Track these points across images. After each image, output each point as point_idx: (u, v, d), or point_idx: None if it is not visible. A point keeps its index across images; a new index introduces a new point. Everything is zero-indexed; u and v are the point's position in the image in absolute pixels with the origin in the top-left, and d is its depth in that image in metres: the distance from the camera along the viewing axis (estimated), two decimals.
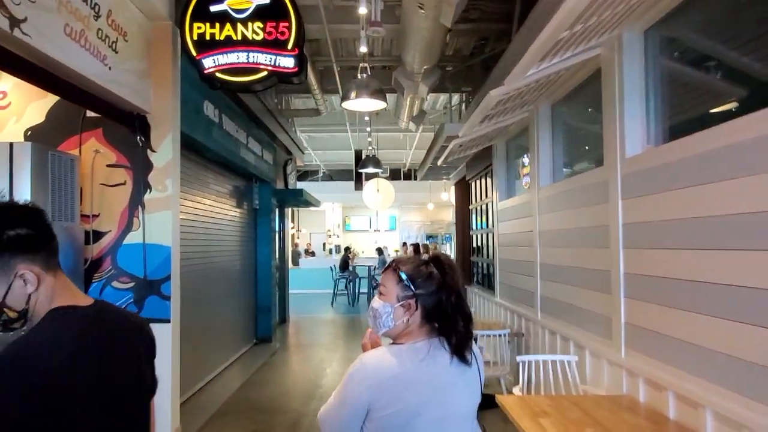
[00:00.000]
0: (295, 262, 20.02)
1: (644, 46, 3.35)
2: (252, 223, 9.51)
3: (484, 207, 8.34)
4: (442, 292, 1.55)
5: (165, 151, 4.61)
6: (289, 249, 13.58)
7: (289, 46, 4.55)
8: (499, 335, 5.32)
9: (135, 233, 4.53)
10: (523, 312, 5.70)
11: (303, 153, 12.89)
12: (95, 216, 4.52)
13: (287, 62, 4.55)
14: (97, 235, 4.53)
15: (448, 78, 9.34)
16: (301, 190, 10.45)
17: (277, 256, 11.11)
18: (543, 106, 5.15)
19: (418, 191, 20.07)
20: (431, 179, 16.87)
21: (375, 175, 15.30)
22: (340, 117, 13.99)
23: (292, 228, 22.75)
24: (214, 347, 7.29)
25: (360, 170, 11.37)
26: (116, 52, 3.99)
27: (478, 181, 8.88)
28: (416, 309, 1.55)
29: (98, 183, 4.54)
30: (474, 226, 9.24)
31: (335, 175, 21.96)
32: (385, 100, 5.41)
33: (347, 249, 17.79)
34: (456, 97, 12.40)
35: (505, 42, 8.40)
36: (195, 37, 4.59)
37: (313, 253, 21.74)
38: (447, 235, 23.21)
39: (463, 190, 10.22)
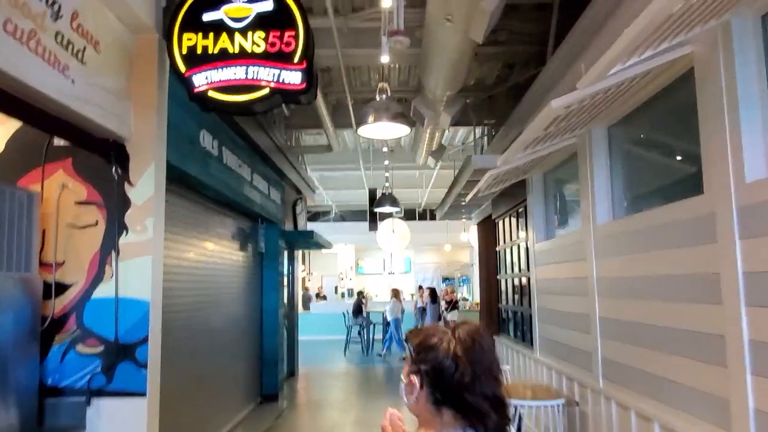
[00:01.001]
0: (306, 307, 19.09)
1: None
2: (257, 268, 8.67)
3: (515, 248, 7.44)
4: (455, 369, 1.26)
5: (145, 186, 3.82)
6: (299, 293, 12.73)
7: (296, 59, 3.81)
8: (551, 406, 4.36)
9: (106, 285, 3.70)
10: (576, 375, 4.74)
11: (314, 192, 12.16)
12: (59, 264, 3.71)
13: (293, 77, 3.80)
14: (61, 288, 3.70)
15: (471, 108, 8.62)
16: (311, 232, 9.65)
17: (285, 302, 10.23)
18: (597, 129, 4.33)
19: (434, 232, 19.21)
20: (449, 219, 16.05)
21: (390, 215, 14.53)
22: (353, 155, 13.30)
23: (303, 271, 21.88)
24: (213, 408, 6.34)
25: (375, 209, 10.57)
26: (83, 63, 3.25)
27: (506, 220, 8.01)
28: (420, 388, 1.30)
29: (65, 224, 3.75)
30: (503, 270, 8.32)
31: (348, 215, 21.21)
32: (408, 124, 4.64)
33: (360, 293, 16.83)
34: (477, 131, 11.69)
35: (533, 68, 7.69)
36: (184, 51, 3.86)
37: (324, 297, 20.79)
38: (464, 278, 22.19)
39: (488, 231, 9.35)
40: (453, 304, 17.37)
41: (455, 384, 1.25)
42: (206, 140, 5.46)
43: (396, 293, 16.82)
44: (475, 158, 6.31)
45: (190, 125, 5.06)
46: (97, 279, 3.71)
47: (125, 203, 3.80)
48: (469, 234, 12.93)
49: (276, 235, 8.93)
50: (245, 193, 6.95)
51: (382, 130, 4.78)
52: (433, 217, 20.41)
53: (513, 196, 7.44)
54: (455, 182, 8.01)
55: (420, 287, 18.63)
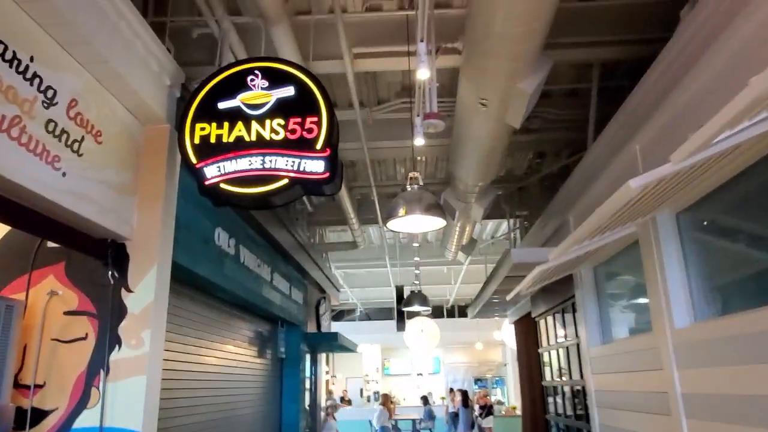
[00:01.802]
0: None
1: None
2: (276, 376, 7.94)
3: (562, 351, 6.65)
4: None
5: (145, 291, 3.32)
6: (323, 398, 11.78)
7: (318, 146, 3.42)
8: None
9: (91, 412, 3.10)
10: None
11: (338, 291, 11.59)
12: (38, 387, 3.15)
13: (315, 166, 3.39)
14: (38, 415, 3.11)
15: (503, 199, 8.18)
16: (335, 334, 8.97)
17: (308, 408, 9.35)
18: (663, 215, 3.77)
19: (464, 330, 18.20)
20: (480, 317, 15.21)
21: (418, 314, 13.79)
22: (379, 251, 12.84)
23: (327, 373, 20.77)
24: None
25: (404, 309, 9.91)
26: (78, 155, 2.87)
27: (549, 319, 7.27)
28: None
29: (49, 338, 3.23)
30: (549, 375, 7.45)
31: (373, 314, 20.42)
32: (443, 216, 4.14)
33: (386, 396, 15.66)
34: (506, 224, 11.19)
35: (566, 156, 7.30)
36: (197, 141, 3.52)
37: (349, 402, 19.50)
38: (498, 379, 20.76)
39: (527, 330, 8.56)
40: (488, 409, 16.02)
41: None
42: (221, 239, 5.03)
43: (425, 400, 15.62)
44: (514, 252, 5.73)
45: (203, 223, 4.65)
46: (81, 404, 3.12)
47: (121, 312, 3.29)
48: (504, 332, 12.06)
49: (297, 339, 8.27)
50: (264, 294, 6.42)
51: (414, 223, 4.29)
52: (462, 314, 19.49)
53: (556, 293, 6.76)
54: (490, 279, 7.39)
55: (451, 390, 17.35)
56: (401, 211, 4.08)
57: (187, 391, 4.80)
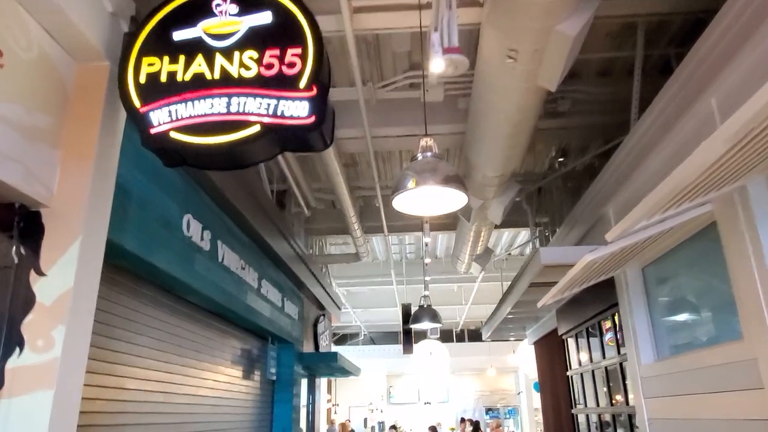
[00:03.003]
0: None
1: None
2: (266, 401, 6.96)
3: (600, 373, 5.66)
4: None
5: (61, 275, 2.43)
6: (322, 429, 10.72)
7: (302, 84, 2.56)
8: None
9: None
10: None
11: (340, 309, 10.63)
12: None
13: (297, 109, 2.52)
14: None
15: (524, 200, 7.29)
16: (334, 354, 7.99)
17: None
18: (755, 183, 2.87)
19: (474, 355, 17.12)
20: (492, 340, 14.17)
21: (426, 336, 12.78)
22: (384, 267, 11.92)
23: (329, 401, 19.61)
24: None
25: (412, 326, 8.92)
26: None
27: (580, 336, 6.30)
28: None
29: None
30: (581, 401, 6.43)
31: (378, 338, 19.35)
32: (465, 190, 3.24)
33: (393, 428, 14.54)
34: (523, 235, 10.27)
35: (596, 147, 6.42)
36: (143, 79, 2.67)
37: None
38: (511, 408, 19.51)
39: (552, 351, 7.57)
40: None
41: None
42: (192, 228, 4.14)
43: (434, 430, 14.47)
44: (544, 252, 4.82)
45: (167, 205, 3.77)
46: None
47: (26, 302, 2.39)
48: (519, 356, 11.01)
49: (291, 358, 7.31)
50: (249, 302, 5.50)
51: (427, 201, 3.39)
52: (472, 339, 18.41)
53: (588, 305, 5.81)
54: (511, 289, 6.44)
55: (462, 420, 16.19)
56: (410, 183, 3.19)
57: (147, 416, 3.86)
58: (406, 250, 11.50)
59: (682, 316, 4.12)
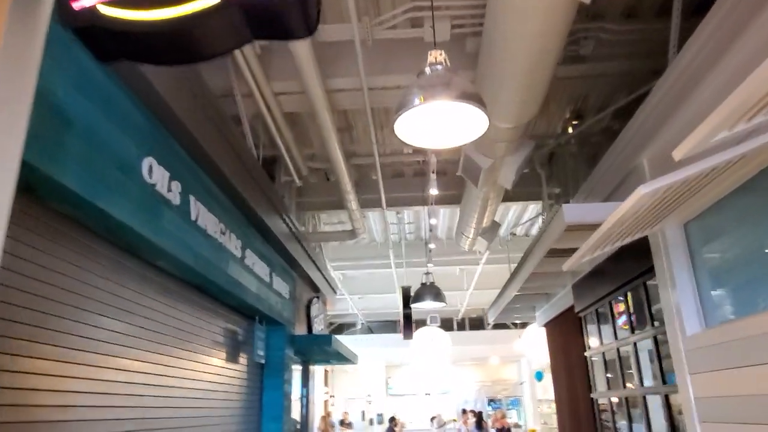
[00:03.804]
0: None
1: None
2: (255, 387, 6.32)
3: (629, 350, 5.03)
4: None
5: None
6: (315, 421, 10.09)
7: None
8: None
9: None
10: None
11: (335, 293, 9.99)
12: None
13: None
14: None
15: (537, 163, 6.66)
16: (329, 337, 7.35)
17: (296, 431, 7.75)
18: None
19: (476, 344, 16.50)
20: (496, 324, 13.59)
21: (425, 324, 12.16)
22: (382, 249, 11.28)
23: (326, 393, 19.01)
24: None
25: (413, 305, 8.28)
26: None
27: (603, 311, 5.67)
28: None
29: None
30: (601, 385, 5.81)
31: (375, 328, 18.73)
32: (485, 108, 2.60)
33: (392, 420, 13.95)
34: (532, 210, 9.64)
35: (614, 107, 5.79)
36: None
37: (350, 425, 17.70)
38: (513, 399, 18.93)
39: (566, 331, 6.95)
40: None
41: None
42: (155, 176, 3.49)
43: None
44: (568, 210, 4.18)
45: (122, 141, 3.12)
46: None
47: None
48: (525, 341, 10.40)
49: (282, 341, 6.67)
50: (232, 273, 4.85)
51: (437, 124, 2.74)
52: (474, 327, 17.82)
53: (610, 276, 5.19)
54: (526, 259, 5.79)
55: (464, 411, 15.62)
56: (417, 100, 2.54)
57: (101, 414, 3.22)
58: (405, 230, 10.86)
59: (737, 277, 3.49)
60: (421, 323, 12.75)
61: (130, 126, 3.23)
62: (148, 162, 3.40)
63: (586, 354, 6.20)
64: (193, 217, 4.04)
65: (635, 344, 4.85)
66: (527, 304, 8.21)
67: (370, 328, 18.50)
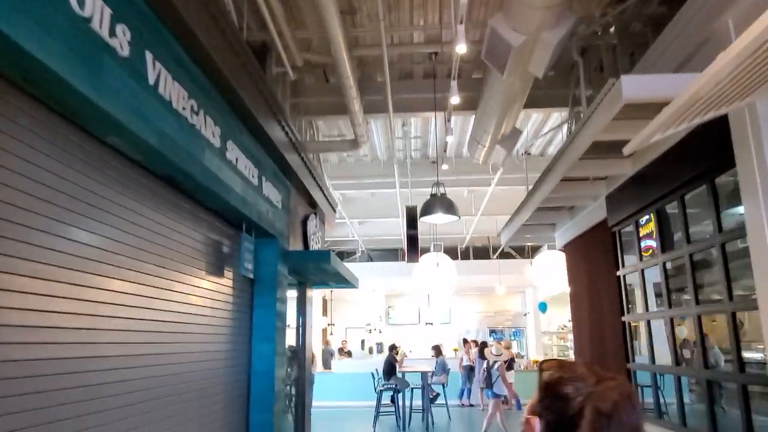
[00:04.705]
0: (327, 365, 15.90)
1: None
2: (244, 305, 5.64)
3: (685, 262, 4.26)
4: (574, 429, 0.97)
5: None
6: (311, 342, 9.58)
7: None
8: None
9: None
10: None
11: (334, 211, 9.21)
12: None
13: None
14: None
15: (574, 47, 5.70)
16: (327, 253, 6.60)
17: (291, 355, 7.18)
18: None
19: (481, 274, 15.92)
20: (513, 243, 12.91)
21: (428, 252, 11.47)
22: (386, 168, 10.40)
23: (329, 325, 18.71)
24: None
25: (422, 219, 7.50)
26: None
27: (647, 220, 4.88)
28: None
29: None
30: (639, 306, 5.11)
31: (376, 258, 18.14)
32: None
33: (392, 348, 13.56)
34: (555, 119, 8.69)
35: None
36: None
37: (349, 353, 17.48)
38: (516, 330, 18.65)
39: (593, 250, 6.19)
40: (509, 363, 13.91)
41: None
42: (89, 7, 2.57)
43: (438, 350, 13.47)
44: (627, 83, 3.29)
45: None
46: None
47: None
48: (538, 267, 9.71)
49: (274, 255, 5.93)
50: (208, 165, 4.01)
51: None
52: (479, 257, 17.23)
53: (660, 180, 4.36)
54: (564, 151, 4.90)
55: (465, 341, 15.25)
56: None
57: (41, 351, 2.45)
58: (410, 146, 9.95)
59: None
60: (424, 251, 12.10)
61: None
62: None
63: (619, 273, 5.47)
64: (151, 81, 3.15)
65: (691, 257, 4.07)
66: (546, 223, 7.44)
67: (370, 257, 17.92)
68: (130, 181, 3.42)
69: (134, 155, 3.39)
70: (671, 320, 4.46)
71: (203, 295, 4.68)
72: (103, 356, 3.09)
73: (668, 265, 4.50)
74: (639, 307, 5.11)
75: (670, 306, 4.44)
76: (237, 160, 4.63)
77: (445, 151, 8.86)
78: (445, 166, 8.64)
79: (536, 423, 1.06)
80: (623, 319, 5.38)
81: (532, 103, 6.86)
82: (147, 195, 3.64)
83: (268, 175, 5.68)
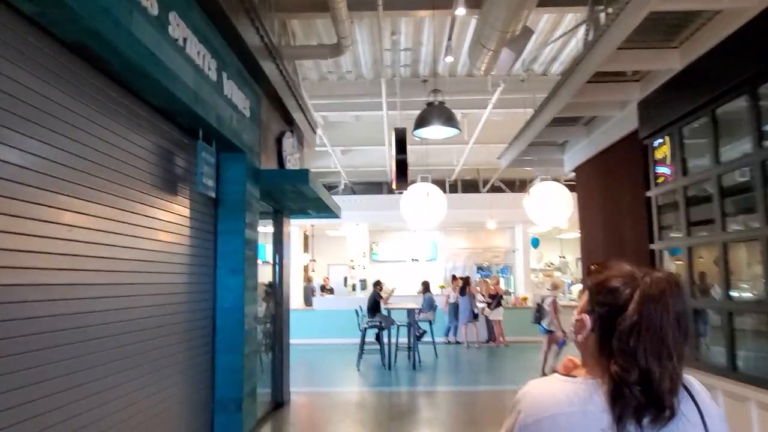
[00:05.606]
0: (308, 302, 15.31)
1: None
2: (206, 231, 4.75)
3: (755, 177, 3.43)
4: (629, 325, 1.03)
5: None
6: (290, 278, 8.80)
7: None
8: None
9: None
10: None
11: (314, 131, 8.19)
12: None
13: None
14: None
15: None
16: (304, 172, 5.66)
17: (263, 291, 6.41)
18: None
19: (469, 208, 15.14)
20: (514, 167, 12.07)
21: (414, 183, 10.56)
22: (372, 86, 9.31)
23: (306, 256, 18.01)
24: None
25: (416, 133, 6.54)
26: None
27: (689, 132, 4.01)
28: (591, 330, 1.12)
29: None
30: (674, 229, 4.32)
31: (360, 191, 17.22)
32: None
33: (377, 284, 12.92)
34: (569, 21, 7.63)
35: None
36: None
37: (331, 290, 16.87)
38: (503, 267, 18.15)
39: (613, 170, 5.35)
40: (497, 300, 13.40)
41: (624, 339, 1.03)
42: None
43: (426, 286, 12.87)
44: None
45: None
46: None
47: None
48: (534, 197, 8.84)
49: (241, 172, 4.99)
50: (141, 37, 2.98)
51: None
52: (467, 190, 16.42)
53: (706, 80, 3.46)
54: (591, 48, 3.95)
55: (453, 277, 14.66)
56: None
57: None
58: (400, 61, 8.83)
59: None
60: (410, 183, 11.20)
61: None
62: None
63: (649, 194, 4.65)
64: None
65: (763, 163, 3.23)
66: (555, 144, 6.54)
67: (353, 189, 16.99)
68: (57, 64, 2.42)
69: (26, 6, 2.38)
70: (689, 250, 3.67)
71: (155, 217, 3.77)
72: (40, 284, 2.25)
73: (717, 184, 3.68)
74: (675, 231, 4.32)
75: (723, 228, 3.64)
76: (185, 40, 3.60)
77: (445, 56, 7.76)
78: (449, 58, 7.54)
79: (587, 319, 1.11)
80: (651, 246, 4.60)
81: (546, 1, 5.85)
82: (74, 82, 2.64)
83: (232, 73, 4.64)
